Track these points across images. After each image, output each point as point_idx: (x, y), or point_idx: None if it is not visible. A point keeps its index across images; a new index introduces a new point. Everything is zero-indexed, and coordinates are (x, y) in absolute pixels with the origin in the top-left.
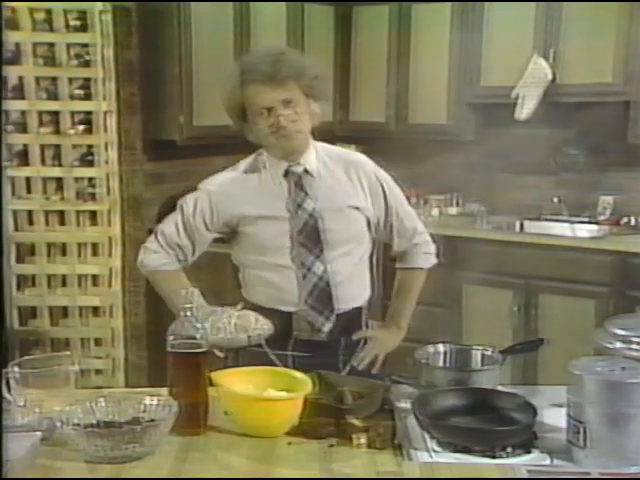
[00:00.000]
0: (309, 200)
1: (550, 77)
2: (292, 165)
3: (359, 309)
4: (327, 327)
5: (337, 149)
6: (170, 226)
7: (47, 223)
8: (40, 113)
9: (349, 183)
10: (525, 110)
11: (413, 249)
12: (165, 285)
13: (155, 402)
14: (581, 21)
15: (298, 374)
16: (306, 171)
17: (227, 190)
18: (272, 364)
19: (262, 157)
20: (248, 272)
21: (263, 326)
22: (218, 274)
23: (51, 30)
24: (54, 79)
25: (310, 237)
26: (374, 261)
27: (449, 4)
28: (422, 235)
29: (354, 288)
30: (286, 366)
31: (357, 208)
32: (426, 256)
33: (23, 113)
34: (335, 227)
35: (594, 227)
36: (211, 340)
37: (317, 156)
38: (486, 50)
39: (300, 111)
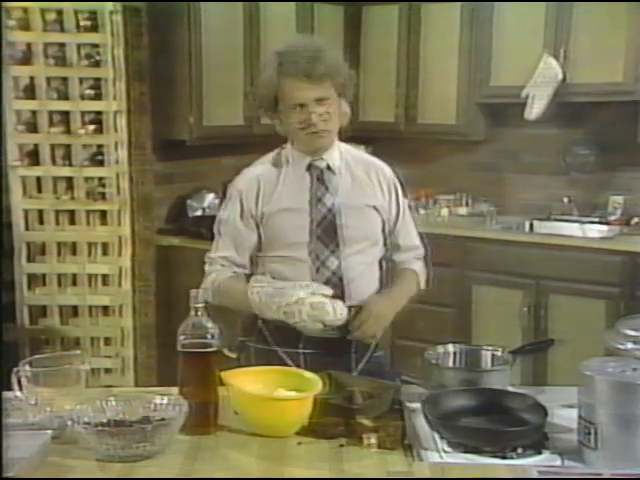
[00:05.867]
0: (329, 195)
1: (560, 77)
2: (315, 160)
3: None
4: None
5: (359, 152)
6: (220, 247)
7: (57, 222)
8: (51, 113)
9: (369, 183)
10: (535, 110)
11: (409, 259)
12: (230, 293)
13: (165, 401)
14: (591, 20)
15: (308, 374)
16: (328, 167)
17: (252, 186)
18: (283, 362)
19: (286, 151)
20: (268, 268)
21: (340, 315)
22: None
23: (62, 30)
24: (65, 79)
25: (327, 232)
26: (383, 266)
27: (459, 4)
28: (419, 250)
29: (366, 287)
30: (297, 364)
31: (375, 207)
32: (421, 269)
33: (34, 113)
34: (352, 224)
35: (604, 227)
36: (279, 317)
37: (340, 154)
38: (496, 49)
39: (332, 110)
